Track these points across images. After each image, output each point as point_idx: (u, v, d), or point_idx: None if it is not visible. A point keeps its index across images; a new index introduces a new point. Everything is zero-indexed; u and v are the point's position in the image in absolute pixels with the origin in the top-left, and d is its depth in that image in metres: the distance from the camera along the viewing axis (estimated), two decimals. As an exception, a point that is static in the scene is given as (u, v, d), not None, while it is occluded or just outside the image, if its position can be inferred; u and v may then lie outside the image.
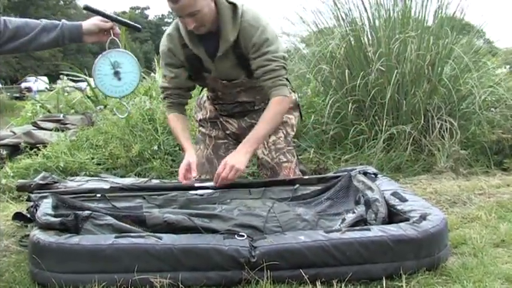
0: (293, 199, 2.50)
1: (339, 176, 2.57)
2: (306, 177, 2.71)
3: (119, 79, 2.36)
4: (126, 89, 2.41)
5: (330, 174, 2.94)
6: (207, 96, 3.01)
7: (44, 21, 2.24)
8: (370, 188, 2.26)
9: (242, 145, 2.53)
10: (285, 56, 2.64)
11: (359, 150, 3.95)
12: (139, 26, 2.53)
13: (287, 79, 2.66)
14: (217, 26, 2.57)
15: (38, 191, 2.52)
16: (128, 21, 2.46)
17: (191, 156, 2.62)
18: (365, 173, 2.52)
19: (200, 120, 3.06)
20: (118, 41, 2.35)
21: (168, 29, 2.75)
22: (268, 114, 2.57)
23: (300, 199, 2.50)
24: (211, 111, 2.99)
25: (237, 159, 2.45)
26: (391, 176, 3.37)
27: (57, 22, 2.26)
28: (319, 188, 2.57)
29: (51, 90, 6.91)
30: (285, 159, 2.83)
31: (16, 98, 28.44)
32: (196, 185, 2.57)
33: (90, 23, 2.27)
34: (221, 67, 2.68)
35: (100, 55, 2.36)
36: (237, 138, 2.93)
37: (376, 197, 2.15)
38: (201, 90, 3.09)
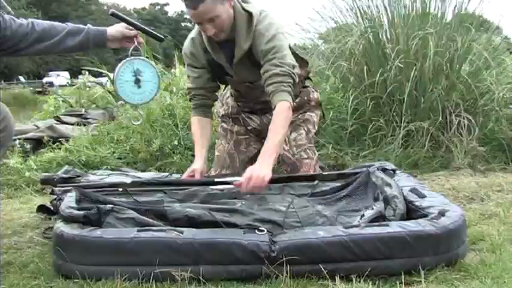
0: (312, 195, 2.52)
1: (357, 172, 2.59)
2: (326, 172, 2.73)
3: (139, 87, 2.42)
4: (144, 98, 2.47)
5: (349, 170, 2.95)
6: (230, 93, 3.05)
7: (70, 25, 2.32)
8: (388, 185, 2.27)
9: (261, 158, 2.40)
10: (293, 65, 2.56)
11: (377, 147, 3.96)
12: (162, 37, 2.59)
13: (292, 86, 2.54)
14: (232, 33, 2.61)
15: (61, 185, 2.58)
16: (152, 31, 2.54)
17: (197, 163, 2.66)
18: (384, 169, 2.53)
19: (222, 115, 3.09)
20: (141, 49, 2.41)
21: (192, 33, 2.80)
22: (274, 126, 2.47)
23: (319, 195, 2.53)
24: (233, 107, 3.03)
25: (263, 171, 2.30)
26: (409, 172, 3.37)
27: (82, 26, 2.33)
28: (338, 184, 2.59)
29: (73, 85, 7.00)
30: (305, 156, 2.85)
31: (38, 93, 28.78)
32: (217, 180, 2.60)
33: (115, 29, 2.33)
34: (240, 72, 2.73)
35: (123, 61, 2.41)
36: (258, 134, 2.96)
37: (395, 193, 2.16)
38: (225, 86, 3.12)
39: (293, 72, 2.54)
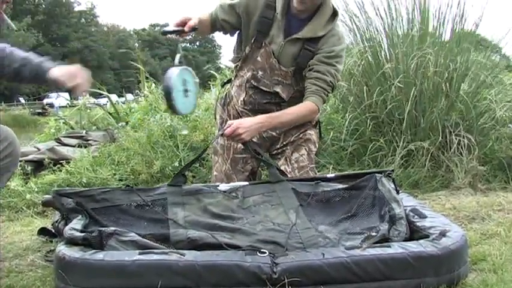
0: (315, 195, 2.49)
1: (363, 174, 2.57)
2: (330, 175, 2.67)
3: (186, 96, 2.42)
4: (190, 107, 2.52)
5: (353, 172, 2.92)
6: (234, 97, 3.00)
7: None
8: (396, 201, 2.25)
9: (259, 117, 2.62)
10: (339, 80, 2.81)
11: (377, 167, 3.97)
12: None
13: (327, 95, 2.78)
14: (311, 16, 2.71)
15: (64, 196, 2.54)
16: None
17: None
18: (389, 175, 2.49)
19: (221, 124, 3.02)
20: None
21: None
22: (295, 110, 2.70)
23: (322, 197, 2.50)
24: (234, 116, 2.97)
25: (245, 124, 2.54)
26: (409, 192, 3.39)
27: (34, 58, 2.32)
28: (341, 186, 2.55)
29: (73, 106, 7.03)
30: None
31: (38, 114, 28.83)
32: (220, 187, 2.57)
33: (60, 72, 2.29)
34: (284, 48, 2.76)
35: (176, 71, 2.39)
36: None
37: (402, 215, 2.15)
38: (225, 83, 3.12)
39: (335, 86, 2.79)
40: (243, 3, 2.77)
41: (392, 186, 2.37)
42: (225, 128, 2.56)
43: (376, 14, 4.43)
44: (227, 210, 2.39)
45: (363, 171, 2.74)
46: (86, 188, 2.59)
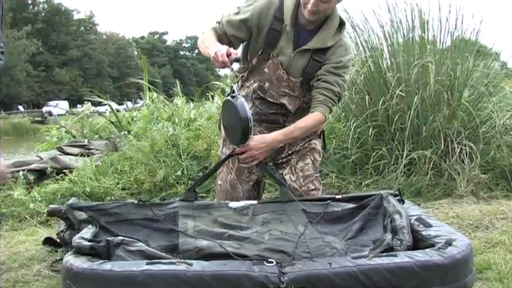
0: (325, 214, 2.52)
1: (371, 195, 2.59)
2: (339, 196, 2.72)
3: None
4: None
5: (362, 193, 2.96)
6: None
7: None
8: (398, 213, 2.27)
9: (273, 135, 2.69)
10: (345, 90, 2.90)
11: (380, 175, 3.99)
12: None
13: (334, 105, 2.82)
14: (319, 27, 2.75)
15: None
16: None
17: (219, 46, 2.61)
18: (395, 195, 2.53)
19: (224, 139, 3.03)
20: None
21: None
22: (306, 123, 2.74)
23: (331, 216, 2.53)
24: None
25: (260, 145, 2.60)
26: (412, 200, 3.39)
27: None
28: (351, 205, 2.58)
29: (72, 114, 7.06)
30: (312, 187, 2.87)
31: (38, 122, 28.87)
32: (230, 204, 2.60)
33: None
34: (294, 59, 2.80)
35: (240, 100, 2.44)
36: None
37: (403, 224, 2.17)
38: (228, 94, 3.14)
39: (341, 96, 2.85)
40: (255, 17, 2.78)
41: (396, 200, 2.40)
42: (238, 151, 2.61)
43: (378, 23, 4.47)
44: (236, 222, 2.41)
45: (370, 192, 2.77)
46: (99, 203, 2.62)
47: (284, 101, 2.86)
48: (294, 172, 2.88)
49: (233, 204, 2.57)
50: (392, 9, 4.38)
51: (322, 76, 2.76)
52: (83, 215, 2.36)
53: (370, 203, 2.50)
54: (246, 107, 2.40)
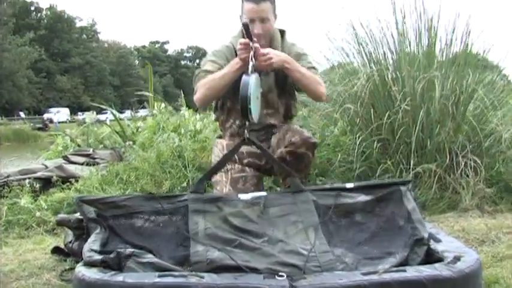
0: (336, 207, 2.52)
1: (383, 185, 2.61)
2: (350, 185, 2.68)
3: (257, 105, 2.60)
4: (258, 114, 2.66)
5: (374, 182, 2.94)
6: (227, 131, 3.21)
7: None
8: (421, 223, 2.27)
9: (285, 54, 2.91)
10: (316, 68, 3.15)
11: (385, 188, 3.99)
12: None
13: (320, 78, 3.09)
14: (268, 45, 2.93)
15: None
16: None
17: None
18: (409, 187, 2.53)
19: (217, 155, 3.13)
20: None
21: (226, 42, 3.11)
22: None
23: (343, 209, 2.53)
24: (226, 146, 3.11)
25: (275, 51, 2.83)
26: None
27: None
28: (365, 198, 2.58)
29: (73, 122, 7.09)
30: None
31: (39, 129, 28.92)
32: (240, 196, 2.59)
33: None
34: (264, 82, 2.95)
35: (253, 77, 2.53)
36: (258, 168, 3.10)
37: (425, 241, 2.18)
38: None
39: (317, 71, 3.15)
40: (220, 57, 3.01)
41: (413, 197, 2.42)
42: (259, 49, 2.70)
43: (383, 36, 4.49)
44: (248, 222, 2.40)
45: (384, 181, 2.77)
46: (108, 195, 2.65)
47: (269, 120, 3.11)
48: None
49: (244, 196, 2.55)
50: (400, 21, 4.40)
51: None
52: (92, 213, 2.38)
53: (387, 198, 2.50)
54: (250, 85, 2.47)
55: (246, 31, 2.63)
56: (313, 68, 3.08)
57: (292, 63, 2.89)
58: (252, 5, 2.90)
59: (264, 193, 2.58)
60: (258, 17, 2.91)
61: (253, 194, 2.56)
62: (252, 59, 2.61)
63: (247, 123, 2.60)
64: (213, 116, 3.27)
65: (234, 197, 2.54)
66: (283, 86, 3.10)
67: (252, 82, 2.47)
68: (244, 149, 2.95)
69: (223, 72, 2.84)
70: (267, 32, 2.97)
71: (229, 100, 3.06)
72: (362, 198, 2.57)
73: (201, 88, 2.93)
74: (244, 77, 2.51)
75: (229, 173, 3.01)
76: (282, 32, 3.14)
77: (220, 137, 3.30)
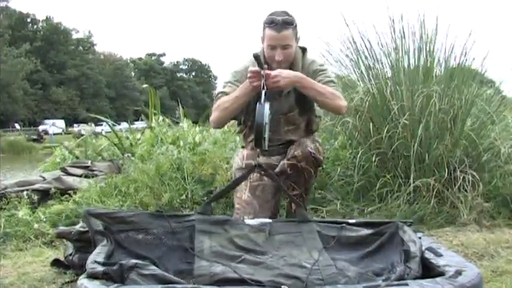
0: (339, 239, 2.54)
1: (384, 223, 2.62)
2: (352, 220, 2.72)
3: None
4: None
5: (376, 220, 2.99)
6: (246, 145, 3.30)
7: None
8: (413, 241, 2.29)
9: (297, 72, 2.91)
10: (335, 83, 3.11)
11: (383, 202, 4.01)
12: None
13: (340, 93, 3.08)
14: (288, 67, 2.96)
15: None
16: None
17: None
18: (409, 224, 2.56)
19: (237, 169, 3.26)
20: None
21: (246, 62, 3.11)
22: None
23: (346, 240, 2.54)
24: (247, 156, 3.23)
25: (284, 73, 2.82)
26: (416, 227, 3.40)
27: None
28: (366, 231, 2.59)
29: (68, 134, 7.09)
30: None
31: (34, 140, 28.86)
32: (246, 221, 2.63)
33: None
34: (285, 102, 3.07)
35: (266, 105, 2.63)
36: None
37: (417, 253, 2.19)
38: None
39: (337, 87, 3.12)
40: (240, 77, 3.04)
41: (411, 230, 2.43)
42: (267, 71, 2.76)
43: (381, 49, 4.52)
44: (253, 244, 2.43)
45: (384, 220, 2.81)
46: (116, 210, 2.65)
47: (290, 137, 3.15)
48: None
49: (250, 221, 2.60)
50: (399, 36, 4.44)
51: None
52: (98, 226, 2.38)
53: (385, 231, 2.51)
54: (265, 114, 2.59)
55: (258, 62, 2.75)
56: (332, 81, 3.07)
57: (304, 81, 2.88)
58: (274, 33, 2.92)
59: (269, 220, 2.63)
60: (279, 44, 2.93)
61: (260, 220, 2.62)
62: (263, 87, 2.69)
63: (258, 150, 2.73)
64: (237, 129, 3.40)
65: (240, 221, 2.59)
66: (304, 103, 3.12)
67: (266, 112, 2.60)
68: (262, 160, 3.10)
69: (235, 95, 2.93)
70: (288, 58, 2.99)
71: (251, 117, 3.05)
72: (363, 231, 2.60)
73: (215, 110, 3.00)
74: (258, 106, 2.63)
75: (248, 181, 3.11)
76: (304, 50, 3.15)
77: (243, 147, 3.40)
